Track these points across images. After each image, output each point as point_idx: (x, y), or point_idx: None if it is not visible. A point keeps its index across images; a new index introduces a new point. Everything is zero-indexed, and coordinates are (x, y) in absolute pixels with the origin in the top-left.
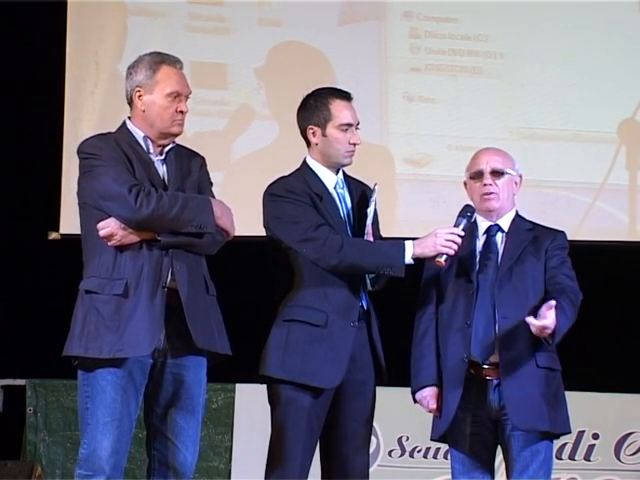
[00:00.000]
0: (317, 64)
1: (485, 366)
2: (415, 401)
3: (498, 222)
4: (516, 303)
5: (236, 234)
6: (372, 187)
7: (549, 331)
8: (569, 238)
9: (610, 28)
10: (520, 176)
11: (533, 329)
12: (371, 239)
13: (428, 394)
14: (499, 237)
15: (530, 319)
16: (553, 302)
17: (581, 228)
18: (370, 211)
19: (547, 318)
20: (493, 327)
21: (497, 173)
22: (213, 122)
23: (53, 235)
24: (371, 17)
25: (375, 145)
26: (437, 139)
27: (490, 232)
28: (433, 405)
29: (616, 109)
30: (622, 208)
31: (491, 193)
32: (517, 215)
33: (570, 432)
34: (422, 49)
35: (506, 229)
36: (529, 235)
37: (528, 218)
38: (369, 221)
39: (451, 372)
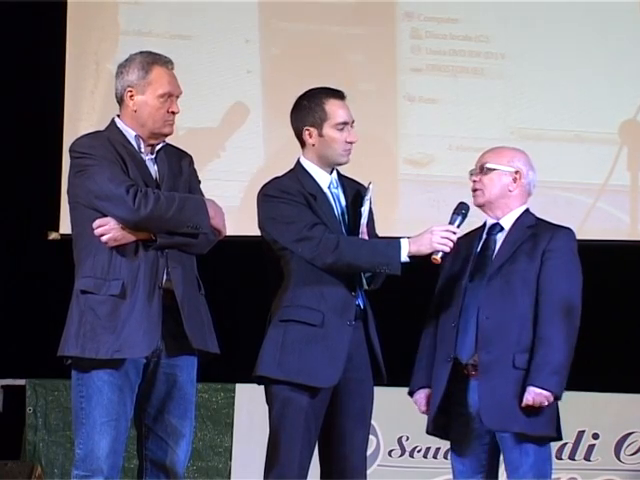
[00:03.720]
0: (318, 64)
1: (469, 366)
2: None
3: (500, 221)
4: (501, 303)
5: (237, 234)
6: (366, 186)
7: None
8: None
9: (611, 28)
10: (518, 172)
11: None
12: (366, 237)
13: (420, 396)
14: (499, 236)
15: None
16: (524, 403)
17: (582, 229)
18: (365, 210)
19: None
20: (477, 327)
21: (481, 168)
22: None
23: (53, 235)
24: (373, 18)
25: (376, 145)
26: (438, 139)
27: (491, 231)
28: (423, 407)
29: (618, 110)
30: (623, 209)
31: (475, 189)
32: (525, 212)
33: (556, 436)
34: (423, 49)
35: (507, 227)
36: (527, 233)
37: None
38: (364, 220)
39: (436, 371)
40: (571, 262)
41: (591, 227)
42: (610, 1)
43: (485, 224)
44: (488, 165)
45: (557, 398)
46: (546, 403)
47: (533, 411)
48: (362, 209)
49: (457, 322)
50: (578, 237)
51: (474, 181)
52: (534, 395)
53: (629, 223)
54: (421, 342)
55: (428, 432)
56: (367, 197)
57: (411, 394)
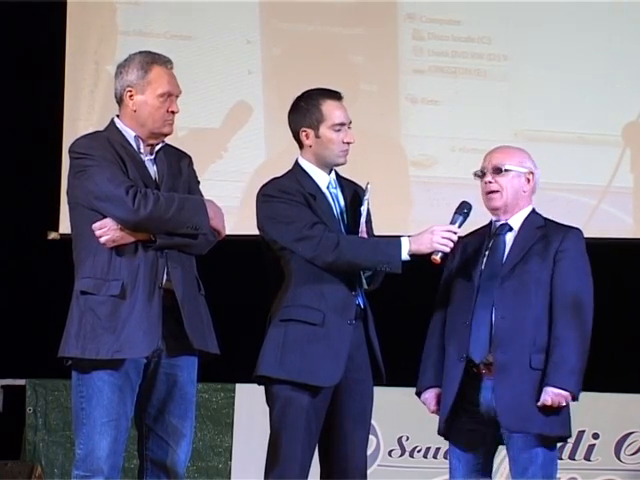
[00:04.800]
0: (319, 65)
1: (482, 366)
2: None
3: (509, 221)
4: (516, 303)
5: (239, 233)
6: (365, 186)
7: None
8: None
9: (615, 30)
10: (531, 172)
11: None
12: (365, 237)
13: (429, 396)
14: (509, 236)
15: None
16: (541, 403)
17: (585, 230)
18: (363, 210)
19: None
20: (491, 327)
21: (498, 170)
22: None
23: (53, 235)
24: (374, 19)
25: (377, 146)
26: (440, 141)
27: (500, 231)
28: (433, 407)
29: (621, 112)
30: (627, 210)
31: (492, 191)
32: (532, 213)
33: (570, 436)
34: (425, 51)
35: (517, 227)
36: (537, 233)
37: None
38: (363, 219)
39: (449, 371)
40: (583, 262)
41: (594, 229)
42: (615, 2)
43: (491, 223)
44: (507, 167)
45: (575, 398)
46: (564, 403)
47: (549, 411)
48: (361, 208)
49: (470, 321)
50: None
51: (489, 182)
52: (552, 395)
53: (632, 224)
54: (428, 341)
55: (440, 433)
56: (366, 197)
57: (419, 394)
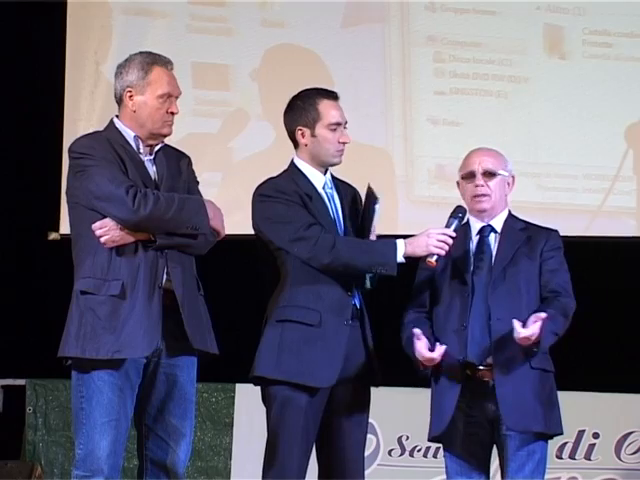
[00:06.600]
0: (321, 67)
1: (481, 367)
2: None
3: (491, 223)
4: (510, 305)
5: (238, 233)
6: (368, 187)
7: (529, 342)
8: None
9: (618, 31)
10: (513, 177)
11: (515, 335)
12: (374, 238)
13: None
14: (492, 238)
15: (516, 325)
16: (543, 314)
17: (588, 231)
18: (377, 211)
19: (529, 329)
20: (489, 329)
21: (489, 174)
22: (215, 123)
23: (53, 235)
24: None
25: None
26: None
27: (483, 233)
28: (426, 354)
29: (624, 113)
30: (630, 212)
31: (483, 195)
32: (510, 215)
33: (562, 433)
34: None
35: (499, 229)
36: (522, 235)
37: (531, 221)
38: (375, 222)
39: (447, 374)
40: (564, 261)
41: (597, 230)
42: (618, 2)
43: (469, 224)
44: (496, 171)
45: (537, 348)
46: (528, 340)
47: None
48: (375, 207)
49: (467, 324)
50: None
51: (480, 186)
52: (532, 322)
53: (635, 226)
54: (407, 327)
55: (433, 439)
56: (377, 204)
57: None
